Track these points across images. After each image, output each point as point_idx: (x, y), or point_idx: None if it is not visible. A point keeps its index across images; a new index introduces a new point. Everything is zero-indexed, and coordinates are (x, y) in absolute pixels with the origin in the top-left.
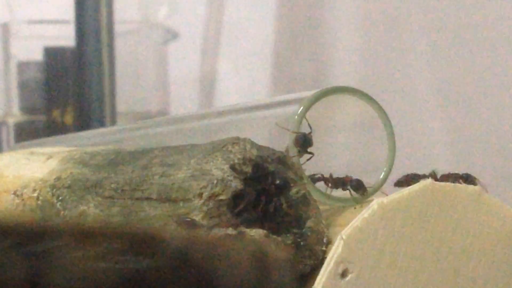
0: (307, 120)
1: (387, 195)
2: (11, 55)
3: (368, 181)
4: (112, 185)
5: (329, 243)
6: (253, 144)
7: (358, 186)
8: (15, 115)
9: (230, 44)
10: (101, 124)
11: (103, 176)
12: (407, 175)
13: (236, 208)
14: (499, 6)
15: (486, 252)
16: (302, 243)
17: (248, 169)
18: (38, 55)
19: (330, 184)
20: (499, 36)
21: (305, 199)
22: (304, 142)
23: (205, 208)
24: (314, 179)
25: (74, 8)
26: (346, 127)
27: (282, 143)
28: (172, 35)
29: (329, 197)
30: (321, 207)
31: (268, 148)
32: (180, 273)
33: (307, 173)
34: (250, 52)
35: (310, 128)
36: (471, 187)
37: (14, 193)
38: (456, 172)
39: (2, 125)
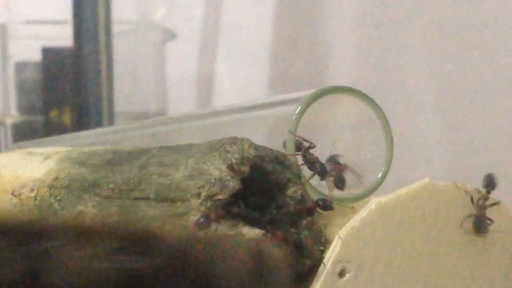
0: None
1: None
2: (9, 55)
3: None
4: (110, 185)
5: (326, 242)
6: (251, 144)
7: None
8: (13, 115)
9: (228, 44)
10: (99, 124)
11: (101, 176)
12: None
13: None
14: (498, 5)
15: (484, 251)
16: (299, 242)
17: (246, 168)
18: (36, 56)
19: None
20: (497, 35)
21: (303, 199)
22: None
23: (203, 208)
24: None
25: (72, 8)
26: (344, 127)
27: (280, 142)
28: (170, 35)
29: (326, 196)
30: None
31: (266, 147)
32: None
33: None
34: (248, 52)
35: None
36: (468, 186)
37: (12, 193)
38: None
39: (0, 126)
